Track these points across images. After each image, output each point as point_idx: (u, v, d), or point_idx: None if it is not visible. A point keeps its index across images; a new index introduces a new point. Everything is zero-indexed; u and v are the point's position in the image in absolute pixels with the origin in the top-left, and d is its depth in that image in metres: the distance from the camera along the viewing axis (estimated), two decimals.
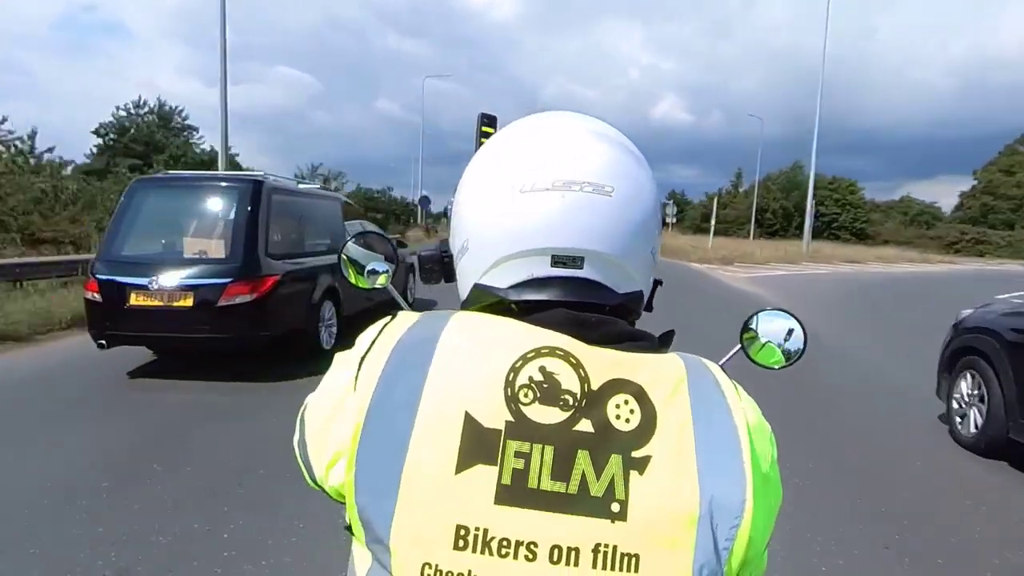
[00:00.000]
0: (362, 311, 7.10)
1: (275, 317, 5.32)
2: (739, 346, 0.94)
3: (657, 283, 0.70)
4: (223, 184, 5.68)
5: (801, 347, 0.94)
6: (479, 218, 0.63)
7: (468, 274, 0.65)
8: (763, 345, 0.93)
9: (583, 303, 0.60)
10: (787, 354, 0.93)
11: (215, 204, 5.60)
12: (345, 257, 1.00)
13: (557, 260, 0.60)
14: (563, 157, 0.61)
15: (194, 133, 39.72)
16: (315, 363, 5.89)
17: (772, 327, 0.93)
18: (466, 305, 0.67)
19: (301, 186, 7.07)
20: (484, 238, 0.63)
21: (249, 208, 5.31)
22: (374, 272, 0.99)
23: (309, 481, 0.63)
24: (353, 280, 1.00)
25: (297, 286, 5.68)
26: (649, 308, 0.68)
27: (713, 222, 31.77)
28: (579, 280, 0.61)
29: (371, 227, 8.63)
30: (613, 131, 0.67)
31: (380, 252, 1.00)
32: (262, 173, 5.85)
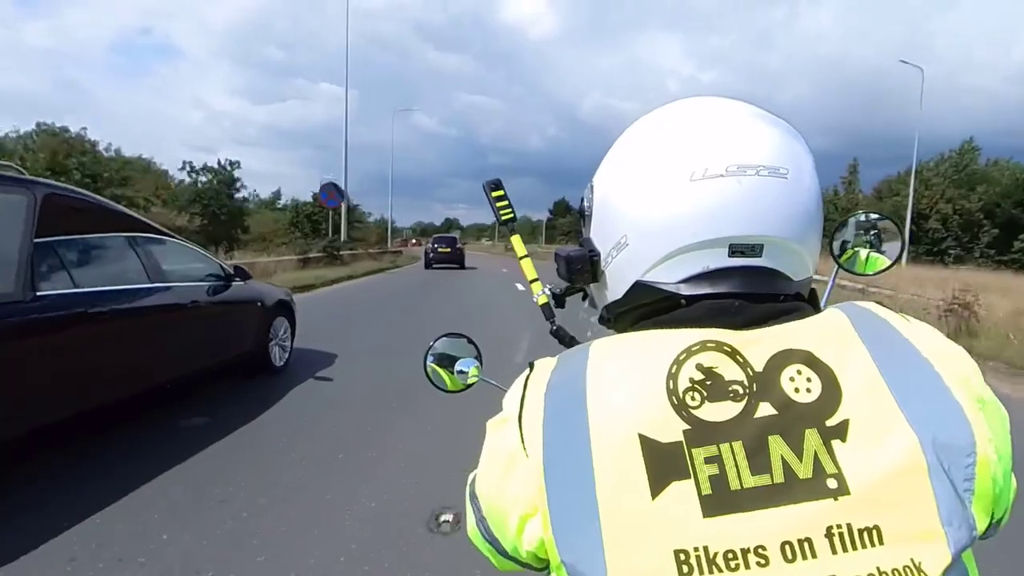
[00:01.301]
0: (111, 406, 3.40)
1: None
2: (836, 268, 0.88)
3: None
4: None
5: (898, 244, 0.87)
6: (642, 211, 0.59)
7: (626, 271, 0.62)
8: (867, 257, 0.86)
9: (759, 294, 0.57)
10: (887, 253, 0.86)
11: None
12: (433, 366, 0.95)
13: (735, 250, 0.57)
14: (734, 140, 0.58)
15: None
16: None
17: (861, 235, 0.87)
18: (615, 308, 0.65)
19: None
20: (650, 232, 0.59)
21: None
22: (462, 372, 0.95)
23: (499, 559, 0.60)
24: (451, 387, 0.95)
25: None
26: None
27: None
28: (757, 270, 0.58)
29: (190, 248, 4.76)
30: (768, 112, 0.62)
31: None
32: None
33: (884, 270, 0.87)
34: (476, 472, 0.61)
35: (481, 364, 0.95)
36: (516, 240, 0.93)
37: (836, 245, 0.87)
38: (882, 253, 0.86)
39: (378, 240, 42.51)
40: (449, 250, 26.63)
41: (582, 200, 0.70)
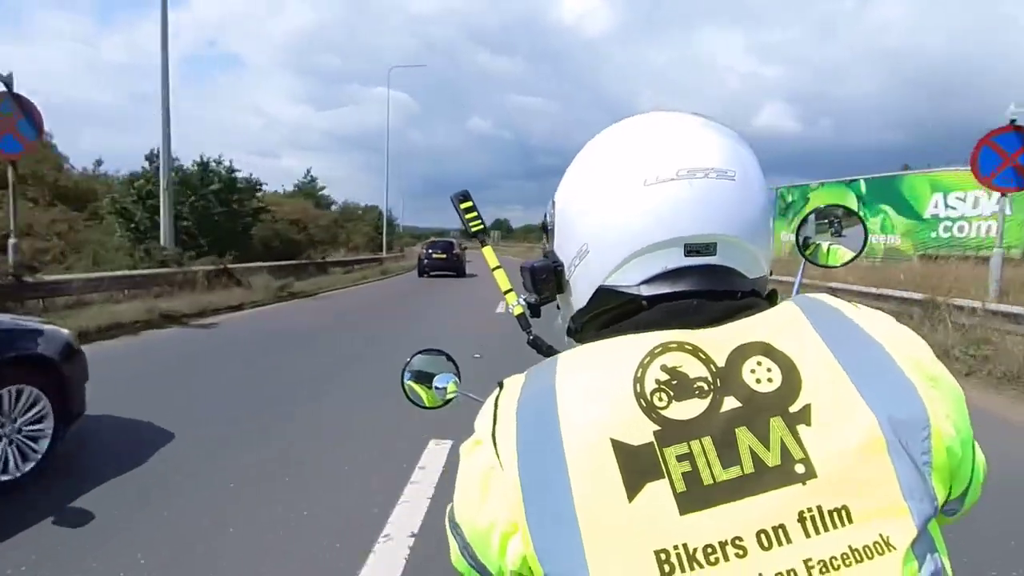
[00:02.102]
0: None
1: None
2: (803, 263, 0.91)
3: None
4: None
5: (859, 230, 0.89)
6: (600, 218, 0.62)
7: (589, 278, 0.64)
8: (828, 248, 0.89)
9: (717, 292, 0.60)
10: (849, 242, 0.89)
11: None
12: (410, 383, 0.94)
13: (690, 249, 0.60)
14: (684, 147, 0.61)
15: None
16: None
17: (823, 227, 0.89)
18: (580, 316, 0.66)
19: None
20: (608, 237, 0.62)
21: None
22: (440, 388, 0.95)
23: None
24: (429, 404, 0.95)
25: None
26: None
27: None
28: (712, 268, 0.60)
29: None
30: (715, 121, 0.66)
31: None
32: None
33: (849, 261, 0.88)
34: (452, 502, 0.60)
35: (459, 379, 0.94)
36: (487, 252, 0.95)
37: (800, 240, 0.90)
38: (843, 241, 0.89)
39: (366, 243, 34.07)
40: (445, 256, 23.95)
41: (545, 216, 0.72)
